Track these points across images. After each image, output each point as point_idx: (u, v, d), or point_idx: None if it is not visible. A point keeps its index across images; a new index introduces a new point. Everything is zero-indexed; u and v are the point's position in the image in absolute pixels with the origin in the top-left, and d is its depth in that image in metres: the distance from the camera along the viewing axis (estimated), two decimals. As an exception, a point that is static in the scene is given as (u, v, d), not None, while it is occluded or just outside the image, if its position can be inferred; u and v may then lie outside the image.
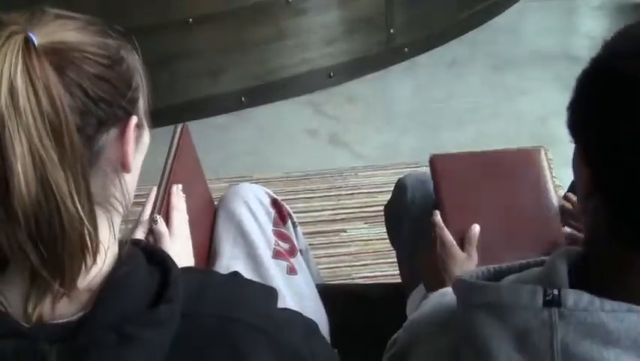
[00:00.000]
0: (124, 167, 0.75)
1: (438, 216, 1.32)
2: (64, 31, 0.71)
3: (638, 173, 0.64)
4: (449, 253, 1.28)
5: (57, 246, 0.67)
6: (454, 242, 1.29)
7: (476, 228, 1.28)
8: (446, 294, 0.90)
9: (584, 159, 0.70)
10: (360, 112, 3.19)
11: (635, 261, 0.67)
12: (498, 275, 0.80)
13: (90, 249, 0.69)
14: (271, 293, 0.88)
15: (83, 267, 0.70)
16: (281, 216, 1.48)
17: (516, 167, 1.36)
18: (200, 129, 3.04)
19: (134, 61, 0.77)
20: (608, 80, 0.67)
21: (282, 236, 1.45)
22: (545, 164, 1.33)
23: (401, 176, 1.59)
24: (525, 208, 1.32)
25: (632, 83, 0.64)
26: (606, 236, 0.69)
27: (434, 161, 1.37)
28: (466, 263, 1.26)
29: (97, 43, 0.72)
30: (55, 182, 0.65)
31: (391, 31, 3.40)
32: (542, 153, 1.34)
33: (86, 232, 0.68)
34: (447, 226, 1.31)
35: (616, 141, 0.65)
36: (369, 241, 2.36)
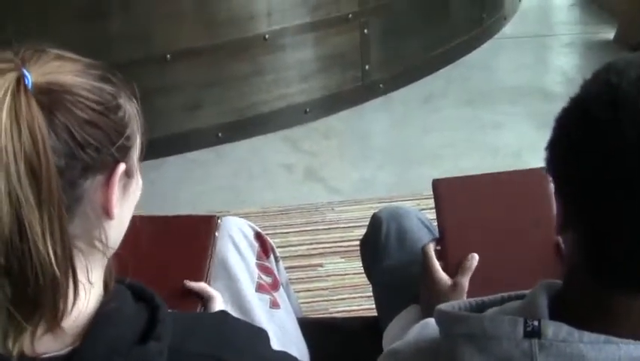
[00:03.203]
0: (107, 214, 0.74)
1: (428, 246, 1.32)
2: (61, 72, 0.71)
3: (607, 212, 0.66)
4: (433, 285, 1.27)
5: (28, 286, 0.67)
6: (441, 273, 1.27)
7: (474, 258, 1.27)
8: (428, 324, 0.91)
9: (559, 195, 0.73)
10: (336, 147, 3.21)
11: (610, 294, 0.69)
12: (480, 308, 0.81)
13: (62, 292, 0.69)
14: (260, 334, 0.88)
15: (58, 309, 0.69)
16: (264, 249, 1.48)
17: (520, 189, 1.32)
18: (177, 164, 3.07)
19: (132, 109, 0.77)
20: (581, 123, 0.69)
21: (265, 270, 1.45)
22: (549, 184, 1.24)
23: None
24: (528, 232, 1.28)
25: (603, 127, 0.66)
26: (582, 267, 0.71)
27: (436, 185, 1.35)
28: (450, 294, 1.25)
29: (92, 89, 0.72)
30: (29, 222, 0.65)
31: (366, 67, 3.45)
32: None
33: (57, 274, 0.67)
34: (447, 252, 1.30)
35: (588, 181, 0.67)
36: (346, 276, 2.36)
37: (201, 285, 1.27)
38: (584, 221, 0.69)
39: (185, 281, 1.27)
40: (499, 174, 1.40)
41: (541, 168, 1.29)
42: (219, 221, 1.41)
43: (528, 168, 1.40)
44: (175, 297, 1.22)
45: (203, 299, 1.25)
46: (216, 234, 1.38)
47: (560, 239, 1.24)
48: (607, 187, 0.65)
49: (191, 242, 1.36)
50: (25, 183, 0.64)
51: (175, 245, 1.36)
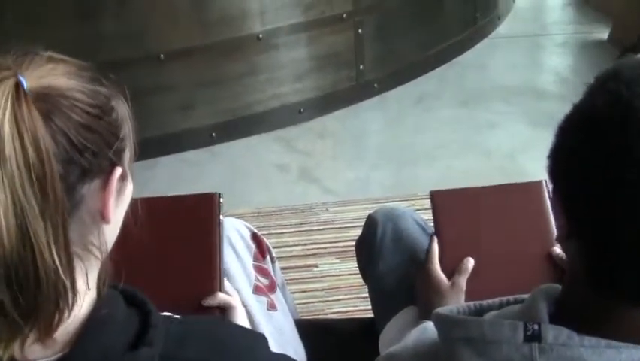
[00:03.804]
0: (103, 218, 0.73)
1: (433, 247, 1.34)
2: (54, 75, 0.69)
3: (610, 217, 0.65)
4: (431, 283, 1.29)
5: (30, 293, 0.66)
6: (440, 273, 1.30)
7: (470, 261, 1.30)
8: (427, 329, 0.90)
9: (561, 206, 0.72)
10: (330, 147, 3.21)
11: (610, 302, 0.69)
12: (479, 311, 0.81)
13: (65, 298, 0.68)
14: (258, 338, 0.87)
15: (58, 315, 0.68)
16: (260, 250, 1.46)
17: (516, 201, 1.36)
18: (171, 164, 3.06)
19: (124, 111, 0.76)
20: (584, 129, 0.68)
21: (262, 271, 1.43)
22: (546, 197, 1.32)
23: (372, 211, 1.59)
24: (524, 243, 1.31)
25: (604, 127, 0.65)
26: (583, 276, 0.71)
27: (434, 197, 1.39)
28: (448, 293, 1.27)
29: (87, 91, 0.70)
30: (34, 232, 0.64)
31: (361, 67, 3.44)
32: (543, 185, 1.33)
33: (60, 282, 0.66)
34: (444, 260, 1.32)
35: (592, 192, 0.66)
36: (341, 276, 2.35)
37: (219, 298, 1.20)
38: (586, 228, 0.68)
39: (202, 301, 1.18)
40: (496, 186, 1.42)
41: (537, 181, 1.32)
42: (221, 200, 1.28)
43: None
44: (188, 305, 1.17)
45: (221, 308, 1.19)
46: (220, 218, 1.27)
47: (557, 249, 1.26)
48: (609, 189, 0.65)
49: (194, 231, 1.26)
50: (29, 192, 0.63)
51: (177, 236, 1.26)
